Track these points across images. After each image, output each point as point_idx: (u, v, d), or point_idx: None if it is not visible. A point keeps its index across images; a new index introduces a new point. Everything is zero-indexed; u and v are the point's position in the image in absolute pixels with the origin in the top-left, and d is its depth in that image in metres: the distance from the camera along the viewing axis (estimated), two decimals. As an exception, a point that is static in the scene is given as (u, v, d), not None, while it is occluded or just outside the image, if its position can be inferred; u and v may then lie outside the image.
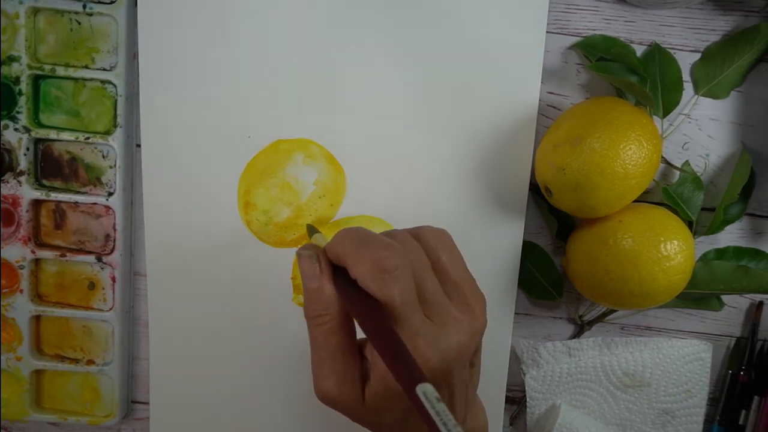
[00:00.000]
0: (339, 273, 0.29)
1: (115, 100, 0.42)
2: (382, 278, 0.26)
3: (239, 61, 0.41)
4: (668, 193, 0.41)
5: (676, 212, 0.40)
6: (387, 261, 0.27)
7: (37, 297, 0.44)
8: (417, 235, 0.30)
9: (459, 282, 0.30)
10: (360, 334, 0.29)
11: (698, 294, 0.42)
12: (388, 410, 0.28)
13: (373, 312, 0.26)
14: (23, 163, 0.42)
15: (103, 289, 0.44)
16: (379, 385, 0.28)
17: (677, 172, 0.42)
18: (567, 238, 0.42)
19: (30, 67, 0.41)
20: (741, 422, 0.44)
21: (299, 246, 0.43)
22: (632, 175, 0.36)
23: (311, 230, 0.39)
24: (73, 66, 0.42)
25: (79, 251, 0.44)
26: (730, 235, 0.43)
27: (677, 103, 0.41)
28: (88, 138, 0.42)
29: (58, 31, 0.41)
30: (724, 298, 0.44)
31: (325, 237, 0.35)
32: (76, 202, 0.43)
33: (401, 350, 0.25)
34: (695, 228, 0.41)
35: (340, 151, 0.42)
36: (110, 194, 0.43)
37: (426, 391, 0.22)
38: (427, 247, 0.30)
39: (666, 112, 0.41)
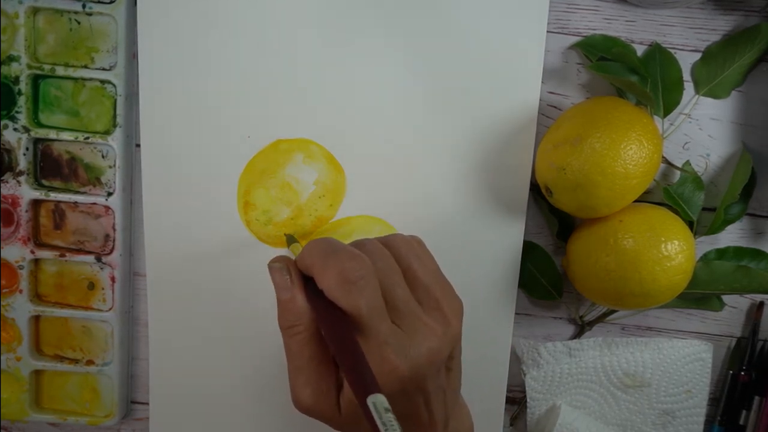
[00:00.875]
0: (310, 284, 0.29)
1: (115, 100, 0.42)
2: (348, 289, 0.27)
3: (239, 61, 0.41)
4: (669, 193, 0.41)
5: (676, 212, 0.40)
6: (351, 272, 0.27)
7: (37, 297, 0.44)
8: (387, 243, 0.31)
9: (431, 288, 0.30)
10: None
11: (699, 294, 0.42)
12: (364, 418, 0.28)
13: (337, 322, 0.27)
14: (23, 162, 0.42)
15: (103, 289, 0.44)
16: (352, 394, 0.28)
17: (678, 172, 0.42)
18: (567, 238, 0.42)
19: (29, 67, 0.41)
20: (741, 422, 0.44)
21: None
22: (633, 174, 0.36)
23: (289, 240, 0.40)
24: (73, 66, 0.42)
25: (79, 251, 0.44)
26: (731, 235, 0.43)
27: (678, 102, 0.41)
28: (87, 138, 0.42)
29: (58, 31, 0.41)
30: (725, 298, 0.44)
31: (301, 247, 0.36)
32: (76, 202, 0.43)
33: (358, 360, 0.25)
34: (696, 228, 0.41)
35: (340, 151, 0.42)
36: (110, 194, 0.43)
37: (375, 401, 0.23)
38: (397, 254, 0.30)
39: (666, 112, 0.41)
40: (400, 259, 0.30)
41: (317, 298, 0.28)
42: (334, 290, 0.27)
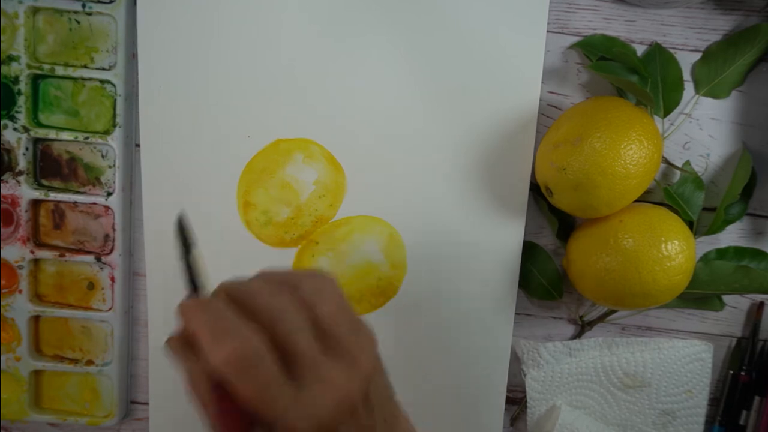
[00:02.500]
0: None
1: (115, 100, 0.42)
2: (239, 371, 0.26)
3: (239, 61, 0.41)
4: (669, 192, 0.41)
5: (676, 212, 0.40)
6: (242, 352, 0.26)
7: (36, 297, 0.44)
8: (294, 286, 0.29)
9: (336, 332, 0.28)
10: None
11: (699, 294, 0.42)
12: None
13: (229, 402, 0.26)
14: (22, 162, 0.42)
15: (102, 289, 0.44)
16: None
17: (678, 172, 0.42)
18: (567, 238, 0.42)
19: (29, 67, 0.41)
20: (742, 422, 0.44)
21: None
22: (633, 174, 0.36)
23: (185, 245, 0.34)
24: (73, 66, 0.41)
25: (78, 251, 0.44)
26: (731, 235, 0.43)
27: (678, 102, 0.41)
28: (87, 138, 0.42)
29: (58, 31, 0.41)
30: (725, 298, 0.44)
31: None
32: (75, 202, 0.43)
33: None
34: (696, 228, 0.41)
35: (340, 151, 0.42)
36: (109, 194, 0.43)
37: None
38: (301, 299, 0.29)
39: (667, 112, 0.41)
40: (305, 303, 0.28)
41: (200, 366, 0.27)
42: (224, 370, 0.26)
